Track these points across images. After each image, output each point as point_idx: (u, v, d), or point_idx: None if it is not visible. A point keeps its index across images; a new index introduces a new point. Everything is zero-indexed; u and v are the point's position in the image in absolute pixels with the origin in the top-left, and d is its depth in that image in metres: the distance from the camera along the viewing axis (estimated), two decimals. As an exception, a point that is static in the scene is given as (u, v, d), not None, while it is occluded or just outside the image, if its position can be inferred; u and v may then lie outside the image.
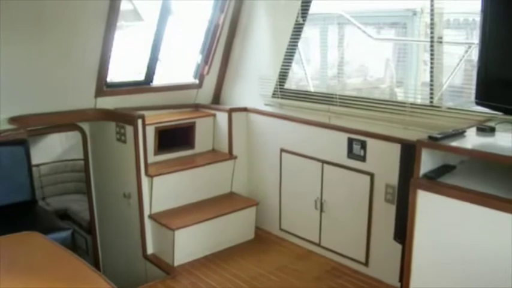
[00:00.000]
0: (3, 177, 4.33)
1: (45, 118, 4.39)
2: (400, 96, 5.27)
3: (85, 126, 4.83)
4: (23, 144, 4.37)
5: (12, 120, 4.15)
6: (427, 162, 2.68)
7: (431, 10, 3.54)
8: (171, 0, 4.60)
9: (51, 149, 6.99)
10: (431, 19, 3.55)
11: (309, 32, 4.90)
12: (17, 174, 4.45)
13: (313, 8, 4.40)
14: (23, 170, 4.48)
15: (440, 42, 3.55)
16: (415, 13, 5.66)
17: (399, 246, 3.52)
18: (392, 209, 3.71)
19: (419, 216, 2.68)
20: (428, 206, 2.62)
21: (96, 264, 5.12)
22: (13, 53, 3.95)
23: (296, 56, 4.67)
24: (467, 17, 4.32)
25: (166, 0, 4.57)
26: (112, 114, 4.56)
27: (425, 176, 2.64)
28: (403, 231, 3.21)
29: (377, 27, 5.85)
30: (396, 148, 3.56)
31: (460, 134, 2.75)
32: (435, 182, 2.60)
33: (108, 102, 4.64)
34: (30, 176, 4.62)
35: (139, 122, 4.29)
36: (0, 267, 2.56)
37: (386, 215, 3.81)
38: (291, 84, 4.76)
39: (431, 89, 3.63)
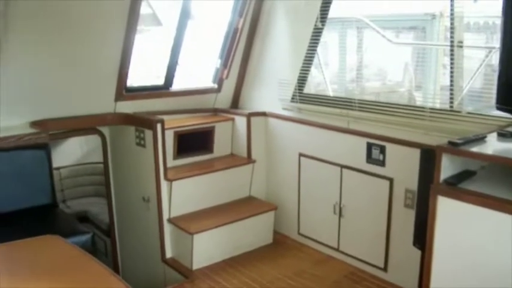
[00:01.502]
0: (25, 180, 4.38)
1: (66, 122, 4.43)
2: (419, 100, 5.25)
3: (105, 130, 4.86)
4: (45, 148, 4.41)
5: (34, 124, 4.19)
6: (447, 167, 2.66)
7: (451, 14, 3.51)
8: (190, 4, 4.62)
9: (71, 152, 7.03)
10: (452, 23, 3.53)
11: (328, 36, 4.90)
12: (38, 177, 4.49)
13: (331, 12, 4.40)
14: (44, 174, 4.53)
15: (461, 46, 3.52)
16: (434, 17, 5.64)
17: (418, 252, 3.49)
18: (411, 214, 3.67)
19: (439, 222, 2.66)
20: (449, 211, 2.60)
21: (115, 267, 5.15)
22: (35, 57, 4.00)
23: (315, 60, 4.67)
24: (487, 20, 4.29)
25: (186, 4, 4.59)
26: (131, 119, 4.59)
27: (446, 181, 2.63)
28: (422, 237, 3.19)
29: (396, 31, 5.83)
30: (416, 153, 3.53)
31: (480, 139, 2.73)
32: (455, 187, 2.58)
33: (127, 107, 4.67)
34: (51, 180, 4.67)
35: (159, 126, 4.31)
36: (22, 271, 2.59)
37: (405, 220, 3.78)
38: (309, 88, 4.75)
39: (451, 94, 3.60)
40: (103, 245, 6.02)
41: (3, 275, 2.56)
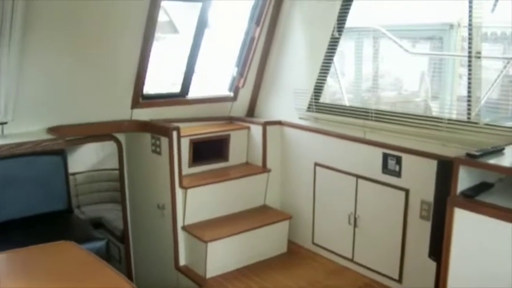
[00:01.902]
0: (41, 186, 4.40)
1: (82, 128, 4.46)
2: (435, 110, 5.21)
3: (121, 136, 4.89)
4: (61, 154, 4.44)
5: (51, 130, 4.22)
6: (464, 179, 2.65)
7: (470, 24, 3.49)
8: (208, 12, 4.64)
9: (87, 158, 7.07)
10: (470, 33, 3.51)
11: (343, 45, 4.89)
12: (54, 183, 4.52)
13: (348, 22, 4.39)
14: (60, 180, 4.55)
15: (479, 57, 3.50)
16: (451, 27, 5.61)
17: (434, 264, 3.47)
18: (427, 226, 3.66)
19: (455, 234, 2.65)
20: (466, 224, 2.59)
21: (128, 273, 5.16)
22: (52, 64, 4.04)
23: (331, 70, 4.66)
24: (504, 30, 4.27)
25: (203, 13, 4.61)
26: (147, 126, 4.61)
27: (463, 193, 2.61)
28: (438, 249, 3.17)
29: (412, 40, 5.81)
30: (432, 164, 3.51)
31: (498, 151, 2.72)
32: (473, 200, 2.56)
33: (143, 114, 4.69)
34: (67, 186, 4.69)
35: (175, 134, 4.32)
36: (37, 276, 2.61)
37: (421, 232, 3.75)
38: (325, 97, 4.74)
39: (468, 105, 3.57)
40: (117, 252, 6.03)
41: (21, 279, 2.58)
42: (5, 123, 4.04)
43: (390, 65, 5.43)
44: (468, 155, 2.62)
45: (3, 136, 4.05)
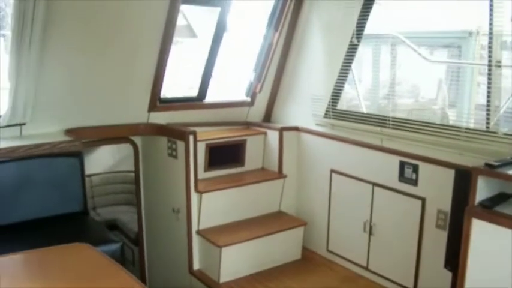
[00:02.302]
0: (57, 187, 4.43)
1: (99, 131, 4.49)
2: (452, 118, 5.18)
3: (137, 139, 4.91)
4: (78, 156, 4.47)
5: (68, 131, 4.25)
6: (482, 189, 2.63)
7: (490, 32, 3.46)
8: (227, 17, 4.65)
9: (102, 160, 7.10)
10: (490, 41, 3.47)
11: (360, 51, 4.88)
12: (70, 185, 4.54)
13: (367, 29, 4.38)
14: (76, 181, 4.57)
15: (499, 66, 3.47)
16: (470, 34, 5.58)
17: (449, 274, 3.44)
18: (443, 236, 3.62)
19: (473, 245, 2.63)
20: (483, 235, 2.57)
21: (142, 276, 5.17)
22: (71, 66, 4.07)
23: (348, 76, 4.64)
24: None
25: (222, 17, 4.62)
26: (164, 129, 4.62)
27: (481, 204, 2.58)
28: (454, 259, 3.14)
29: (429, 48, 5.78)
30: (450, 173, 3.49)
31: (517, 161, 2.69)
32: (491, 210, 2.54)
33: (160, 117, 4.71)
34: (83, 188, 4.72)
35: (191, 138, 4.32)
36: (52, 277, 2.62)
37: (437, 241, 3.72)
38: (341, 104, 4.72)
39: (487, 114, 3.54)
40: (130, 254, 6.05)
41: (36, 280, 2.59)
42: (24, 124, 4.08)
43: (407, 72, 5.40)
44: (487, 165, 2.60)
45: (21, 137, 4.09)
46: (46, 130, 4.19)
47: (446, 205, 3.58)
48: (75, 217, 4.53)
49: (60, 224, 4.31)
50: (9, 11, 3.73)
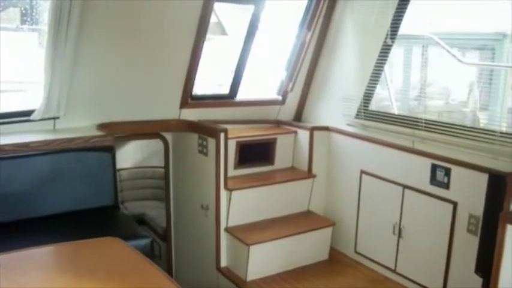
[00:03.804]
0: (89, 181, 4.46)
1: (131, 126, 4.53)
2: (483, 121, 5.12)
3: (168, 135, 4.94)
4: (110, 151, 4.48)
5: (101, 126, 4.30)
6: (518, 195, 2.59)
7: (525, 35, 3.42)
8: (260, 15, 4.64)
9: (132, 155, 7.15)
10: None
11: (392, 52, 4.85)
12: (102, 179, 4.57)
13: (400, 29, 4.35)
14: (108, 176, 4.60)
15: (536, 70, 3.42)
16: (505, 36, 5.51)
17: (479, 280, 3.41)
18: (474, 241, 3.59)
19: (507, 251, 2.59)
20: (518, 241, 2.53)
21: (168, 271, 5.19)
22: (105, 62, 4.13)
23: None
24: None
25: (255, 15, 4.62)
26: (195, 126, 4.64)
27: (517, 210, 2.55)
28: (485, 265, 3.11)
29: (461, 49, 5.72)
30: (483, 178, 3.45)
31: (556, 168, 2.65)
32: (527, 217, 2.51)
33: (191, 114, 4.73)
34: (114, 182, 4.74)
35: (222, 135, 4.33)
36: (83, 271, 2.65)
37: (467, 246, 3.67)
38: (372, 104, 4.69)
39: (521, 118, 3.50)
40: (157, 249, 6.08)
41: (68, 273, 2.62)
42: (57, 118, 4.15)
43: (438, 74, 5.35)
44: (524, 171, 2.56)
45: (54, 131, 4.15)
46: (79, 124, 4.25)
47: (478, 210, 3.55)
48: (106, 211, 4.55)
49: (91, 218, 4.34)
50: (46, 5, 3.77)
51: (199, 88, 4.93)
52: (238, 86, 4.94)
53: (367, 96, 4.59)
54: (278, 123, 5.23)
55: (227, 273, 4.47)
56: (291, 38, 4.98)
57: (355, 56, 4.74)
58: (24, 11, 4.63)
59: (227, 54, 5.13)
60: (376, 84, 4.56)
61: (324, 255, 4.75)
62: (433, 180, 3.95)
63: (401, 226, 4.24)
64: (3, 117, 4.01)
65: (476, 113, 5.56)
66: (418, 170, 4.06)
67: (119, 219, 4.67)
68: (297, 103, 5.29)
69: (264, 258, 4.37)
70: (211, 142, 4.40)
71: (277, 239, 4.41)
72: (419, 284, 4.14)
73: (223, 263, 4.55)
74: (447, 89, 6.00)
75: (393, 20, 4.29)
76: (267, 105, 5.18)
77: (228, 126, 4.50)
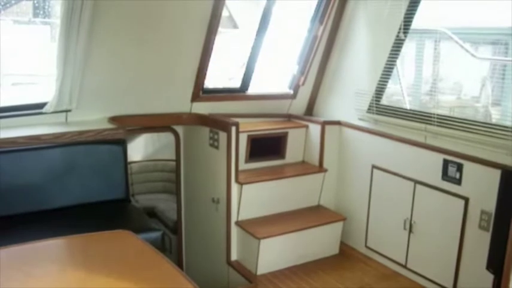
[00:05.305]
0: (101, 174, 4.48)
1: (142, 119, 4.55)
2: (495, 117, 5.08)
3: (179, 129, 4.95)
4: (122, 144, 4.51)
5: (112, 119, 4.31)
6: (532, 192, 2.57)
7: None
8: (272, 9, 4.62)
9: (143, 148, 7.16)
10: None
11: (404, 46, 4.82)
12: (113, 172, 4.59)
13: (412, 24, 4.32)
14: (119, 169, 4.62)
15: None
16: (519, 31, 5.46)
17: (491, 276, 3.39)
18: (486, 237, 3.57)
19: (519, 248, 2.57)
20: (531, 239, 2.51)
21: (179, 264, 5.21)
22: (117, 55, 4.13)
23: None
24: None
25: (267, 9, 4.60)
26: (206, 120, 4.64)
27: (530, 207, 2.53)
28: (497, 262, 3.10)
29: (474, 44, 5.68)
30: (496, 174, 3.43)
31: None
32: (541, 214, 2.49)
33: (202, 107, 4.73)
34: (125, 175, 4.76)
35: (233, 129, 4.33)
36: (94, 263, 2.66)
37: (479, 243, 3.66)
38: (384, 99, 4.67)
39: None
40: (168, 242, 6.09)
41: (80, 265, 2.64)
42: (69, 110, 4.16)
43: (450, 69, 5.31)
44: (538, 167, 2.54)
45: (66, 123, 4.17)
46: (91, 117, 4.26)
47: (491, 206, 3.53)
48: (117, 204, 4.57)
49: (102, 210, 4.37)
50: (58, -1, 3.78)
51: (210, 82, 4.93)
52: (249, 79, 4.93)
53: (379, 91, 4.56)
54: (289, 117, 5.22)
55: (237, 267, 4.47)
56: (302, 31, 4.96)
57: (367, 50, 4.72)
58: (36, 4, 4.64)
59: (238, 48, 5.11)
60: (388, 78, 4.54)
61: (334, 250, 4.75)
62: (445, 175, 3.93)
63: (412, 221, 4.23)
64: (16, 110, 4.03)
65: (489, 108, 5.52)
66: (430, 166, 4.04)
67: (130, 212, 4.69)
68: (309, 97, 5.27)
69: (274, 252, 4.37)
70: (223, 136, 4.40)
71: (287, 233, 4.41)
72: (430, 280, 4.13)
73: (234, 257, 4.56)
74: (459, 84, 5.95)
75: (406, 14, 4.25)
76: (278, 99, 5.17)
77: (239, 120, 4.50)
